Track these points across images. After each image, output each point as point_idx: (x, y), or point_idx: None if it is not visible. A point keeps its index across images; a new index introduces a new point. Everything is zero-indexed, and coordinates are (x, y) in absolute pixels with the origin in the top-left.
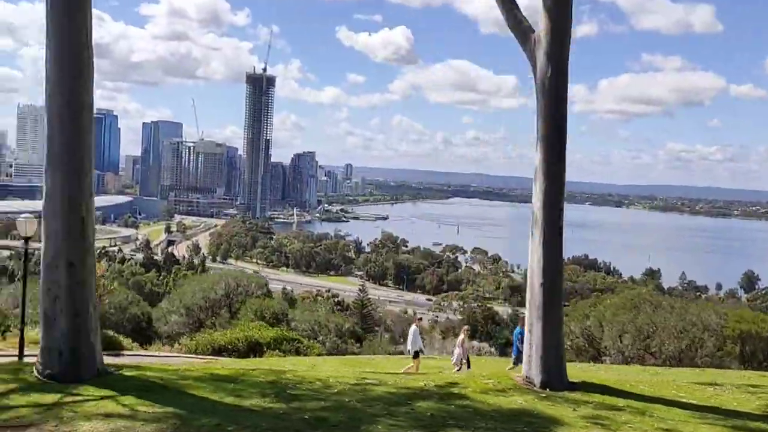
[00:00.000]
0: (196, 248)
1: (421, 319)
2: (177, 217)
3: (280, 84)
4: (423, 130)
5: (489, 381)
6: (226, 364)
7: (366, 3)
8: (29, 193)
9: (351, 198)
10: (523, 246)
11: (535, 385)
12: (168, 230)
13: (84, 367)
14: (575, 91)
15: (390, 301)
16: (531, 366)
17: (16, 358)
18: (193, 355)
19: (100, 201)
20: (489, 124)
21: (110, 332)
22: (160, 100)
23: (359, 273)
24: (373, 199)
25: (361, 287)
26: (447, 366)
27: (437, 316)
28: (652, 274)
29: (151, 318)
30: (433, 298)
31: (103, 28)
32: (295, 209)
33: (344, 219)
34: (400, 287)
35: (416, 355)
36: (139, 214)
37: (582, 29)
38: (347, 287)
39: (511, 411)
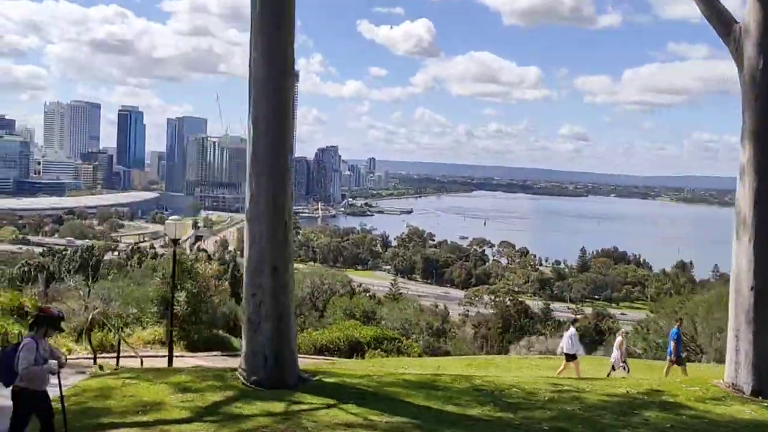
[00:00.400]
0: (225, 244)
1: (576, 320)
2: (203, 213)
3: (302, 78)
4: (445, 123)
5: (694, 388)
6: (358, 366)
7: None
8: (57, 190)
9: (374, 192)
10: (550, 239)
11: (744, 393)
12: (195, 226)
13: (288, 372)
14: (598, 82)
15: (419, 295)
16: (739, 373)
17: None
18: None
19: (128, 197)
20: (511, 116)
21: (220, 332)
22: (182, 96)
23: (387, 267)
24: (397, 193)
25: (393, 282)
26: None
27: (468, 311)
28: (683, 267)
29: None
30: (464, 292)
31: (126, 25)
32: (320, 204)
33: (369, 213)
34: (429, 281)
35: (573, 357)
36: (166, 210)
37: (605, 20)
38: (375, 281)
39: (748, 422)
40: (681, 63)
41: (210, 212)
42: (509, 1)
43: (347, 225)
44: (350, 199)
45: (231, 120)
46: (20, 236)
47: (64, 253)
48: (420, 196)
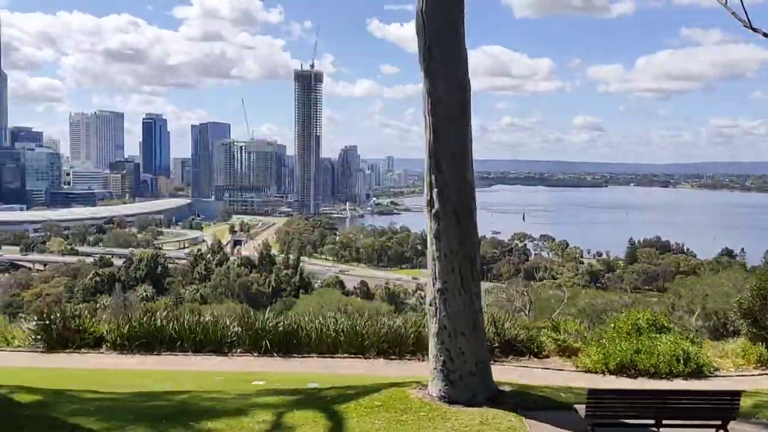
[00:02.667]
0: (267, 247)
1: None
2: (234, 217)
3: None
4: None
5: None
6: None
7: None
8: (88, 199)
9: (396, 190)
10: (583, 230)
11: None
12: (232, 230)
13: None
14: (611, 71)
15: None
16: None
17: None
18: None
19: (161, 204)
20: (524, 109)
21: None
22: (196, 102)
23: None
24: (418, 190)
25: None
26: None
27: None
28: (730, 254)
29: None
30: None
31: (139, 33)
32: (347, 204)
33: (396, 211)
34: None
35: None
36: (198, 216)
37: (619, 8)
38: (423, 280)
39: None
40: (695, 48)
41: (239, 216)
42: None
43: (376, 224)
44: (375, 198)
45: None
46: (68, 247)
47: (129, 262)
48: None
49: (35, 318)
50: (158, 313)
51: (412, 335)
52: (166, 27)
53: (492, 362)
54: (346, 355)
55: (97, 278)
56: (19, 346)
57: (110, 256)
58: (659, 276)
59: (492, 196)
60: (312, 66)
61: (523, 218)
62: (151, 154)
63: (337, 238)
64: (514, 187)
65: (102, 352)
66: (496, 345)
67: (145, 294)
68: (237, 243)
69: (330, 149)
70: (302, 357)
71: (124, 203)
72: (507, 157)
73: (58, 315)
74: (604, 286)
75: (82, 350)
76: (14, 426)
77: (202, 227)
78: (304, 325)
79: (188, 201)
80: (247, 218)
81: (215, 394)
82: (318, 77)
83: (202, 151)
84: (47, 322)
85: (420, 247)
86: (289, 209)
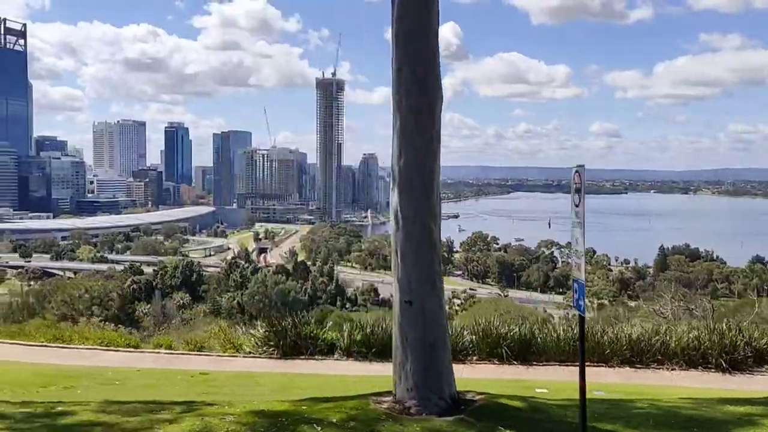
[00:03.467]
0: (293, 254)
1: None
2: (256, 225)
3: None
4: (474, 126)
5: None
6: None
7: None
8: (113, 207)
9: None
10: (606, 238)
11: None
12: (257, 238)
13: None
14: (629, 77)
15: (521, 302)
16: None
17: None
18: None
19: (185, 212)
20: (541, 116)
21: None
22: (214, 110)
23: (458, 272)
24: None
25: (501, 286)
26: None
27: (568, 314)
28: (761, 261)
29: None
30: (546, 296)
31: (158, 43)
32: (368, 211)
33: None
34: (504, 285)
35: None
36: (221, 224)
37: (637, 14)
38: (450, 287)
39: None
40: (713, 54)
41: (262, 224)
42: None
43: (382, 232)
44: None
45: (262, 131)
46: (98, 255)
47: (164, 269)
48: (458, 200)
49: (263, 325)
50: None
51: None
52: (185, 36)
53: None
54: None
55: (134, 286)
56: (250, 352)
57: (139, 263)
58: (692, 284)
59: (510, 203)
60: (334, 74)
61: (549, 225)
62: (174, 163)
63: (363, 245)
64: (533, 194)
65: (337, 359)
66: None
67: (182, 301)
68: (262, 250)
69: (347, 157)
70: (542, 365)
71: (148, 211)
72: (523, 164)
73: (289, 322)
74: (635, 294)
75: (317, 357)
76: None
77: (227, 235)
78: (536, 333)
79: (212, 209)
80: (269, 226)
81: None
82: (339, 85)
83: (223, 159)
84: (279, 329)
85: (447, 255)
86: (311, 217)
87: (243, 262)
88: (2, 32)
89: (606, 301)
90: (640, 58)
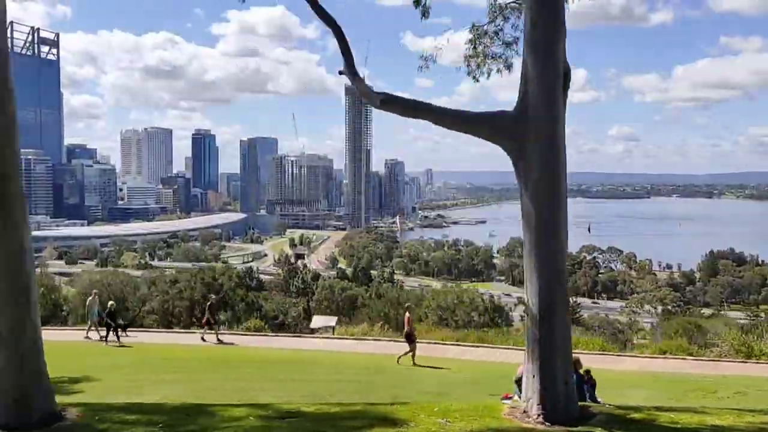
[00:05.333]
0: (333, 260)
1: None
2: (287, 231)
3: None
4: None
5: None
6: None
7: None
8: (144, 214)
9: (437, 203)
10: (641, 242)
11: None
12: (293, 244)
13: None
14: (647, 81)
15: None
16: None
17: None
18: None
19: (218, 219)
20: None
21: None
22: (232, 117)
23: (501, 277)
24: (461, 203)
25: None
26: None
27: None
28: None
29: None
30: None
31: (177, 50)
32: (397, 217)
33: (445, 224)
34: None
35: None
36: (253, 230)
37: (658, 17)
38: (497, 294)
39: None
40: (734, 57)
41: (292, 230)
42: None
43: (426, 237)
44: (420, 211)
45: (281, 138)
46: (141, 261)
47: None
48: (481, 205)
49: None
50: None
51: None
52: (204, 44)
53: None
54: None
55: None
56: None
57: (177, 270)
58: (744, 289)
59: None
60: (363, 79)
61: (589, 230)
62: (201, 169)
63: (403, 251)
64: None
65: None
66: None
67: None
68: (299, 257)
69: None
70: None
71: (180, 218)
72: None
73: None
74: (687, 300)
75: None
76: None
77: (262, 241)
78: None
79: (243, 216)
80: (299, 232)
81: None
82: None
83: (250, 165)
84: None
85: (490, 261)
86: (339, 223)
87: (301, 268)
88: (36, 42)
89: (669, 307)
90: (658, 61)
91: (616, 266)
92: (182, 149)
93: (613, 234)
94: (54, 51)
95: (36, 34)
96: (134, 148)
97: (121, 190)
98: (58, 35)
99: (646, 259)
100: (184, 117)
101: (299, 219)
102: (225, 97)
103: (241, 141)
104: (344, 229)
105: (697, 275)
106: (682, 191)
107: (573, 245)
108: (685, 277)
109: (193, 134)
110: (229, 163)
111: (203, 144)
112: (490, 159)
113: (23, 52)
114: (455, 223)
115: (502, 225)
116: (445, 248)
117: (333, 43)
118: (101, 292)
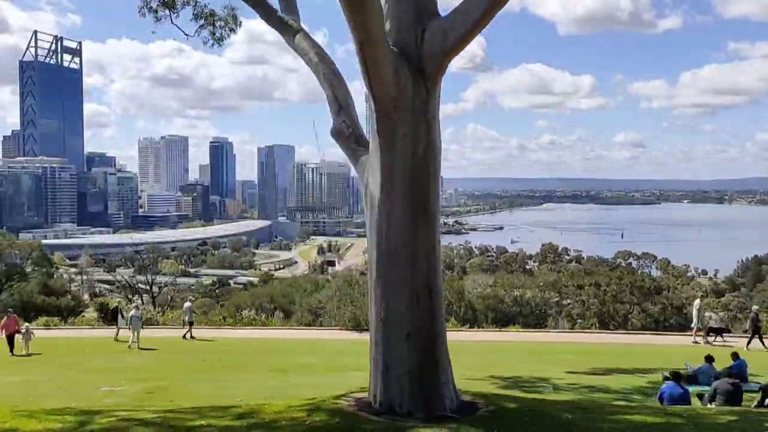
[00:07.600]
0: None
1: None
2: (310, 238)
3: (355, 101)
4: (497, 137)
5: None
6: None
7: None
8: (165, 222)
9: (451, 209)
10: (666, 248)
11: None
12: (321, 251)
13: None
14: (654, 87)
15: None
16: None
17: None
18: None
19: (242, 226)
20: (565, 127)
21: None
22: (239, 125)
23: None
24: (474, 209)
25: None
26: None
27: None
28: None
29: None
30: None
31: (185, 59)
32: None
33: (463, 231)
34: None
35: None
36: (276, 237)
37: (665, 23)
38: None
39: None
40: (741, 63)
41: (314, 237)
42: (565, 10)
43: (447, 243)
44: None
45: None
46: (180, 268)
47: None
48: (493, 212)
49: None
50: None
51: None
52: (211, 52)
53: None
54: None
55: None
56: None
57: (218, 277)
58: None
59: (546, 214)
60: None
61: (622, 236)
62: (218, 177)
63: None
64: (564, 205)
65: None
66: None
67: None
68: (330, 263)
69: None
70: None
71: (203, 226)
72: (546, 175)
73: None
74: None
75: None
76: None
77: (290, 248)
78: None
79: (267, 223)
80: (321, 239)
81: None
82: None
83: (268, 172)
84: None
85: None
86: (360, 230)
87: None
88: (60, 50)
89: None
90: (665, 67)
91: (650, 272)
92: (193, 156)
93: (636, 240)
94: (77, 60)
95: (60, 43)
96: (152, 156)
97: (139, 197)
98: (80, 44)
99: (683, 265)
100: (192, 125)
101: (320, 226)
102: (232, 105)
103: (259, 148)
104: (365, 236)
105: (740, 281)
106: (691, 197)
107: (606, 251)
108: (730, 283)
109: (211, 142)
110: (239, 170)
111: (221, 152)
112: (493, 166)
113: (47, 60)
114: (473, 229)
115: (520, 231)
116: (479, 254)
117: (340, 51)
118: None
